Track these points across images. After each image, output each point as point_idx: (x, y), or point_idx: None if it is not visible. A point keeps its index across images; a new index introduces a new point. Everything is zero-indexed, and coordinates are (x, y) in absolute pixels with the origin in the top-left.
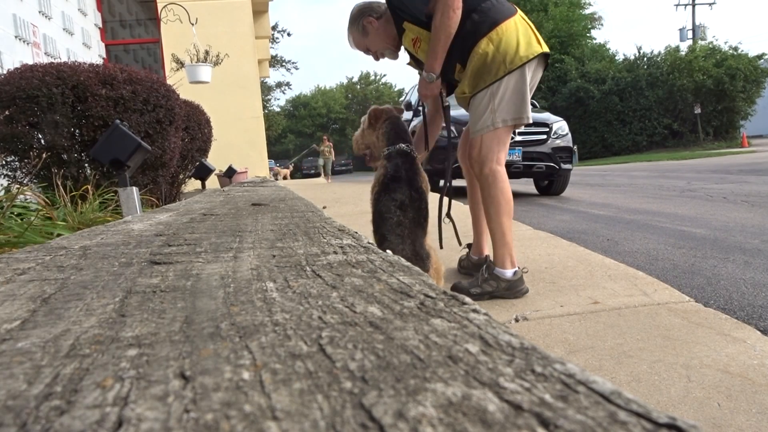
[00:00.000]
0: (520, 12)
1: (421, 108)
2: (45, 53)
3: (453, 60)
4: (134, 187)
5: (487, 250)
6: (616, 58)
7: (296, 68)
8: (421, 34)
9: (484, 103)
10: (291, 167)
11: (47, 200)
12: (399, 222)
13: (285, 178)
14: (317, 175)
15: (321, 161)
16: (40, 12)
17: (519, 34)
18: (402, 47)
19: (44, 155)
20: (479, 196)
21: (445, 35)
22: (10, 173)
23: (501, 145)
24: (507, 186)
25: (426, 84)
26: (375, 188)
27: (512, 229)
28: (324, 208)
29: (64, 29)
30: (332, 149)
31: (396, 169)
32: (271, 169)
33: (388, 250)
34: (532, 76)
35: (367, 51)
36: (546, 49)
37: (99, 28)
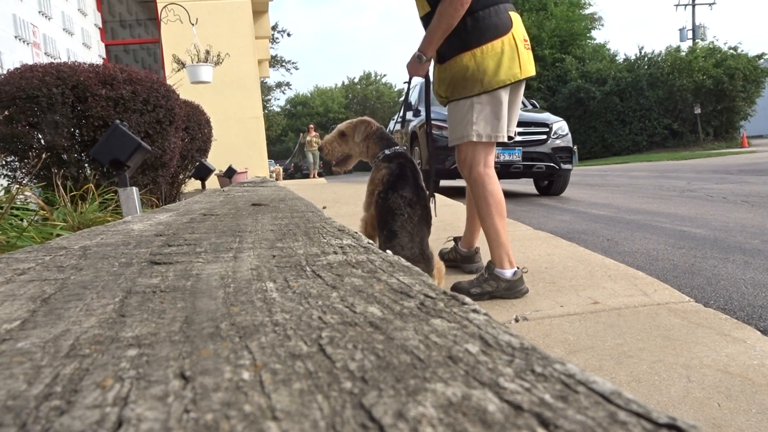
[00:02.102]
0: (514, 28)
1: (422, 108)
2: (45, 53)
3: None
4: (134, 187)
5: (477, 243)
6: (617, 58)
7: (296, 68)
8: None
9: (461, 113)
10: (279, 167)
11: (47, 201)
12: (409, 218)
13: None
14: (308, 175)
15: (311, 157)
16: (40, 12)
17: (503, 57)
18: None
19: (44, 155)
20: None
21: (446, 25)
22: (10, 173)
23: (487, 149)
24: (496, 187)
25: (416, 63)
26: (378, 188)
27: (511, 230)
28: (324, 208)
29: (64, 29)
30: (319, 141)
31: (401, 168)
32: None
33: (388, 251)
34: (513, 94)
35: None
36: (529, 73)
37: (99, 28)
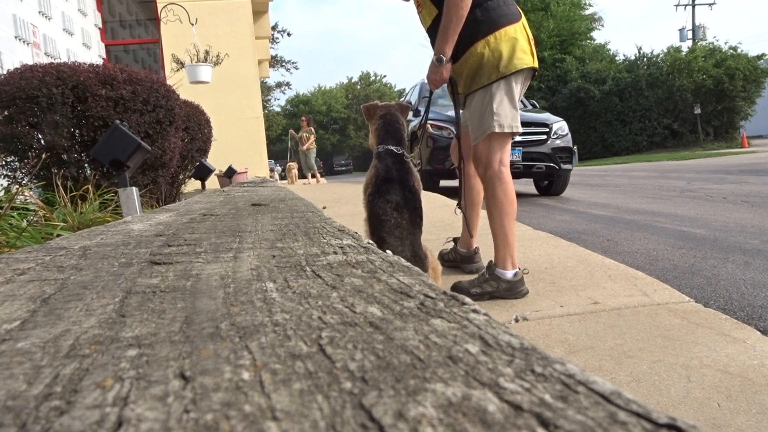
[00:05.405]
0: (523, 20)
1: (421, 108)
2: (45, 53)
3: None
4: (134, 188)
5: (476, 243)
6: (617, 58)
7: (296, 68)
8: (423, 1)
9: (482, 105)
10: (294, 164)
11: (47, 201)
12: (397, 224)
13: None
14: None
15: (308, 156)
16: (40, 12)
17: (516, 43)
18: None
19: (44, 155)
20: (472, 195)
21: (457, 17)
22: (10, 173)
23: (504, 145)
24: (510, 187)
25: (435, 68)
26: (368, 189)
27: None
28: (324, 208)
29: (64, 29)
30: (312, 135)
31: (387, 170)
32: (277, 169)
33: (388, 251)
34: (521, 87)
35: None
36: (536, 66)
37: (99, 28)
